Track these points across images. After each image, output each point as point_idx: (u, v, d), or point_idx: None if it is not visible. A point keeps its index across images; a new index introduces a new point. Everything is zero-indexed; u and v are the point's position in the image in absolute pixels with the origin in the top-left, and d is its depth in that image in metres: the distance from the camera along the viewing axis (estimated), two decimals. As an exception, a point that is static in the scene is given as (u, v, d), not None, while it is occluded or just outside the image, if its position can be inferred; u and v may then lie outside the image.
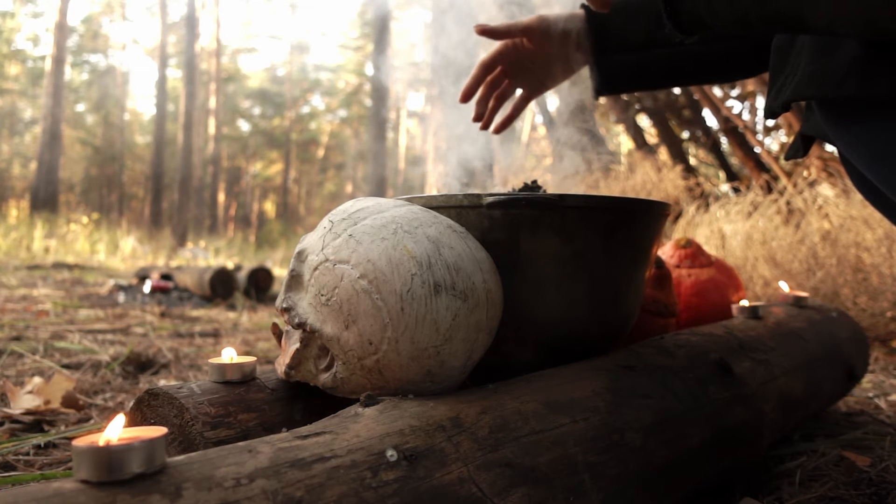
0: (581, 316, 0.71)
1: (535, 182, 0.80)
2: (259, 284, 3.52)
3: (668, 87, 1.24)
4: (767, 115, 0.75)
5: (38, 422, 1.05)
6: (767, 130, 3.81)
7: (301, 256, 0.60)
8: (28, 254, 7.10)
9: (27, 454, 0.90)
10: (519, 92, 1.00)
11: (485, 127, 1.00)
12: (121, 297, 3.27)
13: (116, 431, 0.37)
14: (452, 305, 0.56)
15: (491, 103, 0.98)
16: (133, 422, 0.59)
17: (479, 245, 0.63)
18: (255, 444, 0.42)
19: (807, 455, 0.93)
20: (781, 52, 0.73)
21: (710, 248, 2.49)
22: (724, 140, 4.01)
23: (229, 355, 0.65)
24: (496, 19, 0.93)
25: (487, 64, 0.94)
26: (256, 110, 25.40)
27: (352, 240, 0.57)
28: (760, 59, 0.90)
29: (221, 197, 23.12)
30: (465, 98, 0.96)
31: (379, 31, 9.61)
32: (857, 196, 2.20)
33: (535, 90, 0.99)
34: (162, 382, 1.39)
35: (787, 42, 0.71)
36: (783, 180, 3.07)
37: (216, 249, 9.73)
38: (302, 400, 0.64)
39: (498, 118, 1.00)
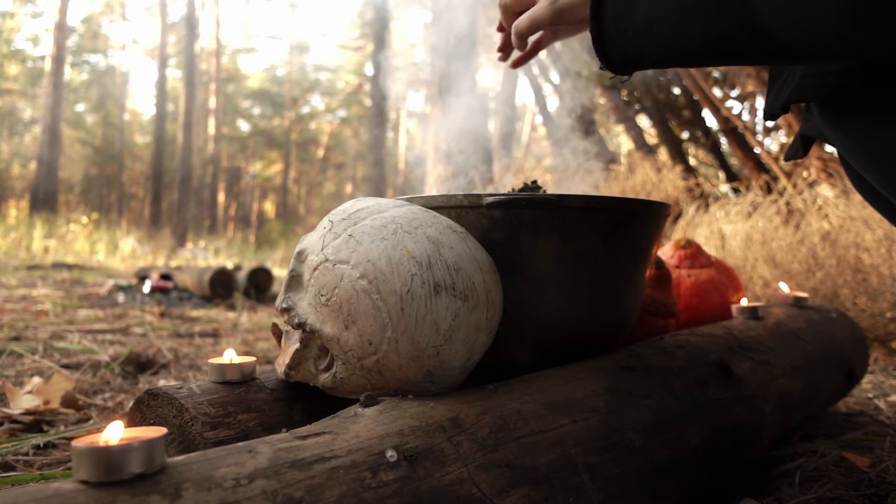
0: (581, 316, 0.71)
1: (535, 182, 0.80)
2: (259, 284, 3.52)
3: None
4: (767, 117, 0.75)
5: (37, 422, 1.05)
6: (767, 131, 3.81)
7: (301, 256, 0.60)
8: (27, 254, 7.10)
9: (26, 454, 0.90)
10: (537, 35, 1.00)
11: (504, 58, 1.01)
12: (120, 298, 3.27)
13: (116, 432, 0.37)
14: (452, 306, 0.56)
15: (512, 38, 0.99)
16: (133, 422, 0.59)
17: (478, 245, 0.63)
18: (255, 445, 0.42)
19: (806, 456, 0.93)
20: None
21: (710, 249, 2.49)
22: (723, 140, 4.01)
23: (229, 356, 0.65)
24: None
25: None
26: (256, 110, 25.41)
27: (352, 240, 0.57)
28: None
29: (221, 197, 23.12)
30: (502, 27, 0.97)
31: (378, 32, 9.60)
32: (857, 197, 2.20)
33: (548, 37, 1.00)
34: (161, 382, 1.39)
35: None
36: (783, 181, 3.07)
37: (216, 249, 9.73)
38: (302, 400, 0.63)
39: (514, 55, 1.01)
